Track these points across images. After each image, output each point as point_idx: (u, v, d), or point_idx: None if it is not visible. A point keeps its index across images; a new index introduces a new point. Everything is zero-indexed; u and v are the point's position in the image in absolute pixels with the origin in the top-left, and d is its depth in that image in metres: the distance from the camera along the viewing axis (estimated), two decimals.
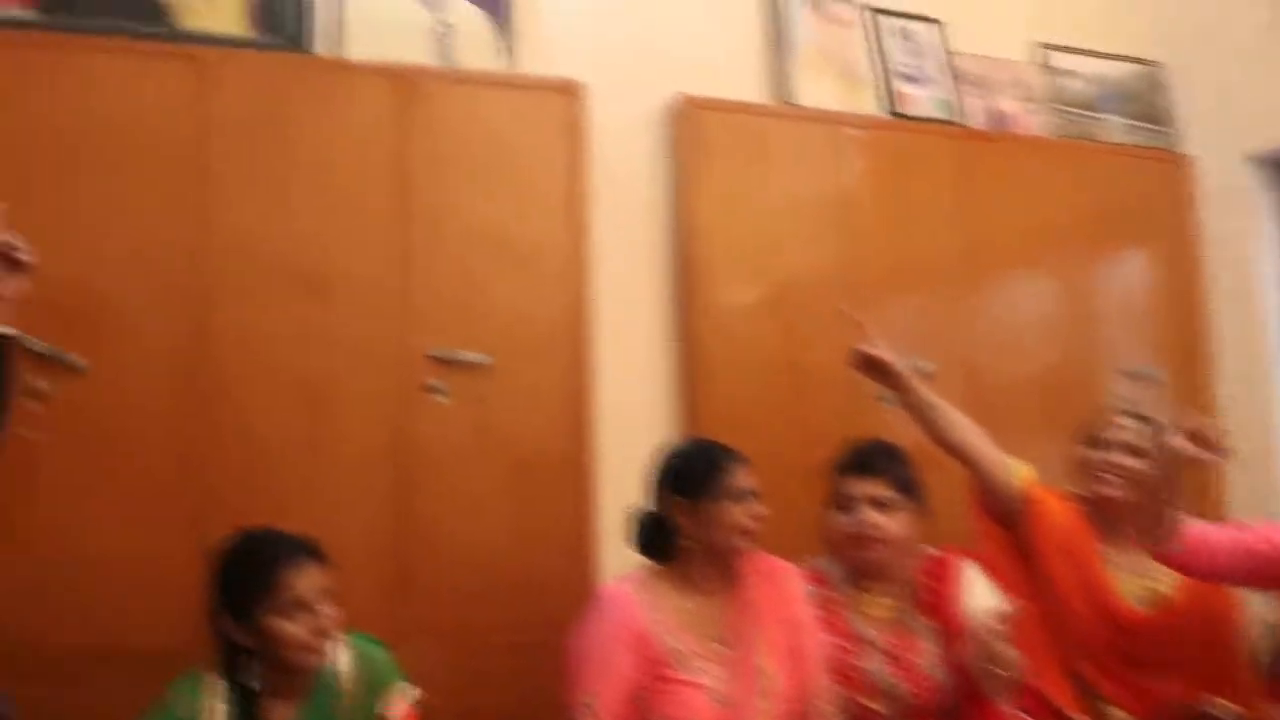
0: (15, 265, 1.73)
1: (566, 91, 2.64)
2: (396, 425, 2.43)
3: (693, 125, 2.78)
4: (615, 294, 2.71)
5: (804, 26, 3.00)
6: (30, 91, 2.28)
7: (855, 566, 2.08)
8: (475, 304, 2.51)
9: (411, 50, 2.60)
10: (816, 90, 2.97)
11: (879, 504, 2.05)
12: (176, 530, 2.22)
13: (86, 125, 2.30)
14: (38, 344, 2.15)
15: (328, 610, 1.72)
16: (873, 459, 2.10)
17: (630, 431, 2.57)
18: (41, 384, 2.18)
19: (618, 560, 2.22)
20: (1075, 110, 3.29)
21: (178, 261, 2.33)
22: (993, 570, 2.12)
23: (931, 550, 2.13)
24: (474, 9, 2.68)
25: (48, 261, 1.78)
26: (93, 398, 2.23)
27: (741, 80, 2.94)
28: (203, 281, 2.34)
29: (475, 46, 2.66)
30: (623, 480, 2.28)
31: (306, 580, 1.70)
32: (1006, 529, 2.21)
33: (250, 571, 1.71)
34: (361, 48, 2.56)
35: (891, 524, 2.05)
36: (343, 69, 2.52)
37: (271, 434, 2.34)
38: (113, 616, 2.17)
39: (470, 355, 2.48)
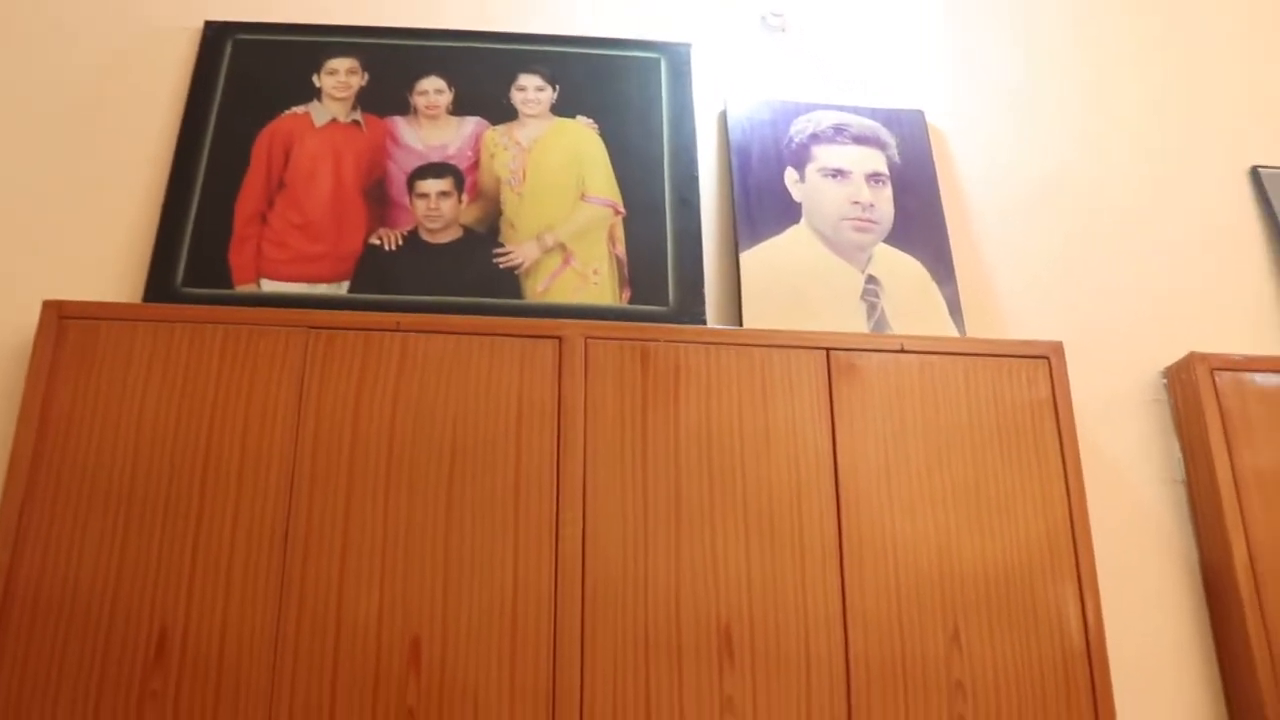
0: None
1: (1043, 357, 1.92)
2: None
3: (1206, 391, 1.99)
4: (1128, 622, 1.91)
5: None
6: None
7: None
8: (951, 666, 1.72)
9: (822, 317, 1.96)
10: None
11: None
12: None
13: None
14: None
15: None
16: None
17: None
18: None
19: None
20: None
21: (501, 607, 1.67)
22: None
23: None
24: (910, 261, 2.04)
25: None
26: None
27: (1246, 334, 2.18)
28: (563, 643, 1.66)
29: (910, 306, 1.99)
30: None
31: None
32: None
33: None
34: (763, 318, 1.95)
35: None
36: (751, 339, 1.89)
37: None
38: None
39: None
